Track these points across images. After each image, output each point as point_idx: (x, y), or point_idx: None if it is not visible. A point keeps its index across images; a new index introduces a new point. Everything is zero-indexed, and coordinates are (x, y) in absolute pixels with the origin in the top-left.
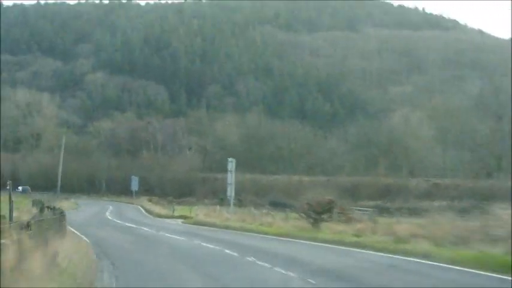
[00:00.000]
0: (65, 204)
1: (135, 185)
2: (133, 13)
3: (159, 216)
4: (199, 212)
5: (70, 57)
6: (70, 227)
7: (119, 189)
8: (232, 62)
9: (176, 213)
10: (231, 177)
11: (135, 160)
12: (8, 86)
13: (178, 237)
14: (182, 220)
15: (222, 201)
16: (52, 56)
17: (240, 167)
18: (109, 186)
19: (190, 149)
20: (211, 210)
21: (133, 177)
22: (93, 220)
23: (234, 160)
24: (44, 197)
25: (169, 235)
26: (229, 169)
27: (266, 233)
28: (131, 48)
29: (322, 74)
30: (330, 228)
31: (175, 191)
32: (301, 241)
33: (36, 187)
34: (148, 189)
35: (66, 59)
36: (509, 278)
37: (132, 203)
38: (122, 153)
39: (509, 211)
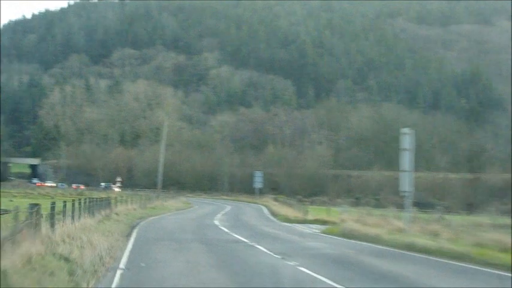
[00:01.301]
0: (171, 203)
1: (258, 182)
2: (260, 6)
3: (287, 220)
4: (346, 216)
5: (194, 52)
6: (130, 243)
7: (242, 186)
8: (363, 56)
9: (310, 217)
10: (407, 160)
11: (260, 156)
12: (129, 80)
13: (333, 285)
14: (321, 227)
15: (358, 200)
16: (175, 50)
17: (376, 163)
18: (232, 183)
19: (320, 143)
20: (364, 214)
21: (256, 173)
22: (190, 228)
23: (413, 132)
24: (138, 194)
25: (309, 271)
26: (403, 146)
27: None
28: (257, 41)
29: (457, 68)
30: None
31: (304, 189)
32: None
33: (149, 184)
34: (274, 188)
35: (189, 53)
36: None
37: (255, 203)
38: (246, 148)
39: None
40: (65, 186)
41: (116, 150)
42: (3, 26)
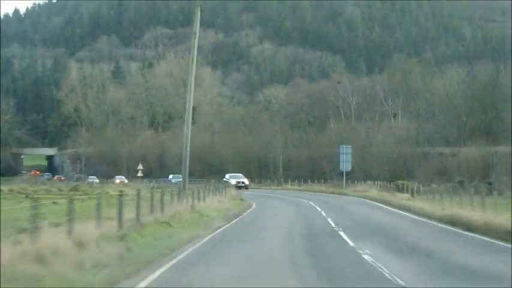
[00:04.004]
0: (211, 204)
1: (347, 162)
2: None
3: None
4: None
5: (233, 29)
6: None
7: (303, 172)
8: (418, 27)
9: None
10: None
11: (320, 133)
12: (162, 61)
13: None
14: None
15: (461, 185)
16: (213, 27)
17: (473, 136)
18: (287, 167)
19: (395, 115)
20: None
21: (343, 148)
22: None
23: None
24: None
25: None
26: None
27: None
28: (301, 15)
29: None
30: None
31: (384, 171)
32: None
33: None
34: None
35: (228, 30)
36: None
37: (344, 194)
38: (302, 125)
39: None
40: (50, 176)
41: (145, 135)
42: (27, 10)
